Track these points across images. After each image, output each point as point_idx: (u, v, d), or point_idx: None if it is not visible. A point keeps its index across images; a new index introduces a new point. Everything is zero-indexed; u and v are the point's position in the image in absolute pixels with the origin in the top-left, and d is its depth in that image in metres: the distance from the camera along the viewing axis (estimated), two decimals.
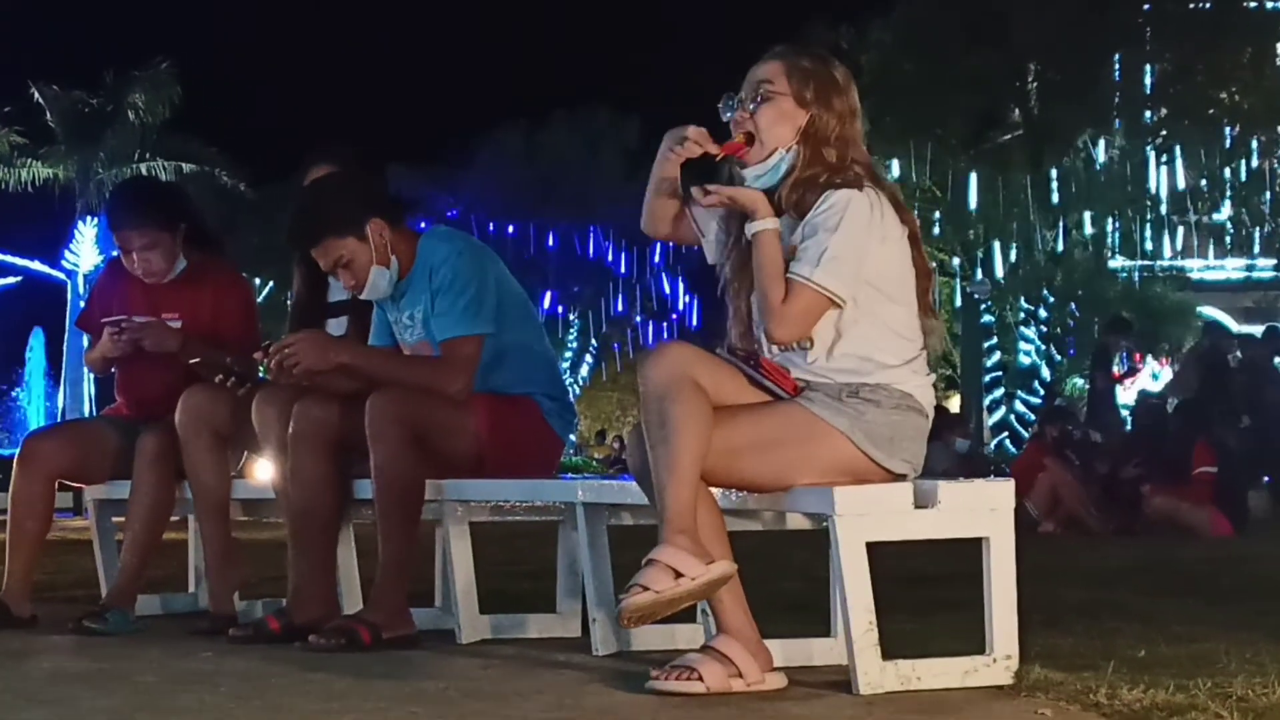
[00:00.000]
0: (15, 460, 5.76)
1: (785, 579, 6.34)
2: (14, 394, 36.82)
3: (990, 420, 27.49)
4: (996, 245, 27.44)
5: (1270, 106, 25.91)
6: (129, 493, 5.67)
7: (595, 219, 39.19)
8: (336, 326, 5.64)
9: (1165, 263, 28.71)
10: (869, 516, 3.82)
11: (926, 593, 5.95)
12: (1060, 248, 27.40)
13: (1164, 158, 26.84)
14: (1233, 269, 31.32)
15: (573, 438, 28.04)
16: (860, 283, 3.93)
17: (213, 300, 5.81)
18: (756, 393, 4.01)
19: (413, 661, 4.59)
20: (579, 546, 4.82)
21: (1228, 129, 26.59)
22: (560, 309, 40.40)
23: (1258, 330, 17.91)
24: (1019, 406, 27.23)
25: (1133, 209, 27.36)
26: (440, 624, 5.31)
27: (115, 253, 5.90)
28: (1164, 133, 27.01)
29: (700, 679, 3.86)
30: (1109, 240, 27.84)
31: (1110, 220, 27.50)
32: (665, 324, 41.03)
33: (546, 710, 3.71)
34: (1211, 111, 26.51)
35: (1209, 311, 30.16)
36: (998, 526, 3.88)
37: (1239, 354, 16.15)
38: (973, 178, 26.75)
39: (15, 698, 3.97)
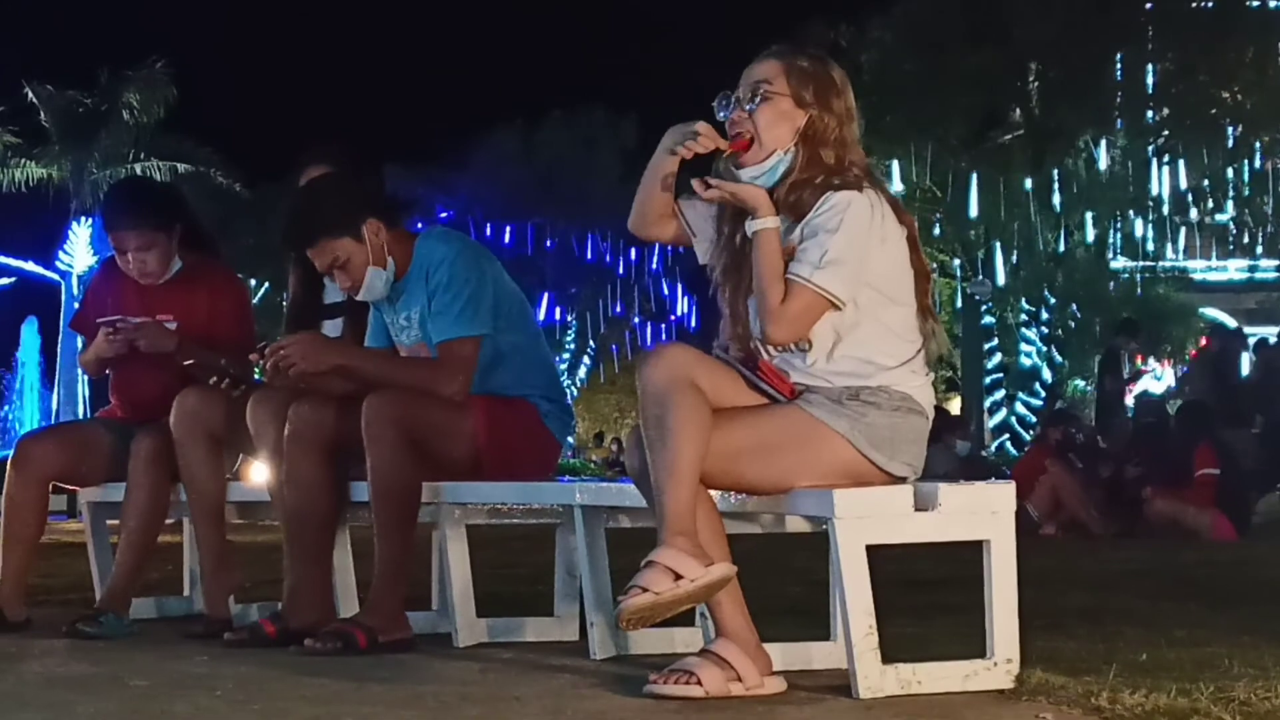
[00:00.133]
0: (9, 462, 5.74)
1: (784, 582, 6.34)
2: (8, 396, 36.66)
3: (991, 422, 27.50)
4: (997, 246, 27.42)
5: (1273, 106, 25.90)
6: (124, 495, 5.65)
7: (593, 219, 39.16)
8: (332, 328, 5.63)
9: (1168, 264, 28.69)
10: (869, 519, 3.82)
11: (927, 596, 5.94)
12: (1062, 248, 27.39)
13: (1166, 158, 26.82)
14: (1235, 270, 31.31)
15: (570, 440, 28.08)
16: (860, 284, 3.91)
17: (208, 301, 5.79)
18: (755, 395, 4.00)
19: (409, 665, 4.57)
20: (577, 549, 4.82)
21: (1230, 129, 26.56)
22: (558, 310, 40.39)
23: (1260, 331, 17.90)
24: (1020, 408, 27.24)
25: (1135, 209, 27.35)
26: (437, 627, 5.30)
27: (110, 253, 5.88)
28: (1166, 133, 26.99)
29: (699, 683, 3.85)
30: (1111, 241, 27.82)
31: (1112, 221, 27.49)
32: (663, 325, 41.03)
33: (544, 714, 3.70)
34: (1214, 111, 26.49)
35: (1211, 313, 30.15)
36: (998, 529, 3.87)
37: (1253, 355, 16.11)
38: (973, 178, 26.72)
39: (9, 702, 3.96)
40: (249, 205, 36.79)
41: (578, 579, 4.96)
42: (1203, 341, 25.52)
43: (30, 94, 37.82)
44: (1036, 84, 27.70)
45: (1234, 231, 28.59)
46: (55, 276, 37.00)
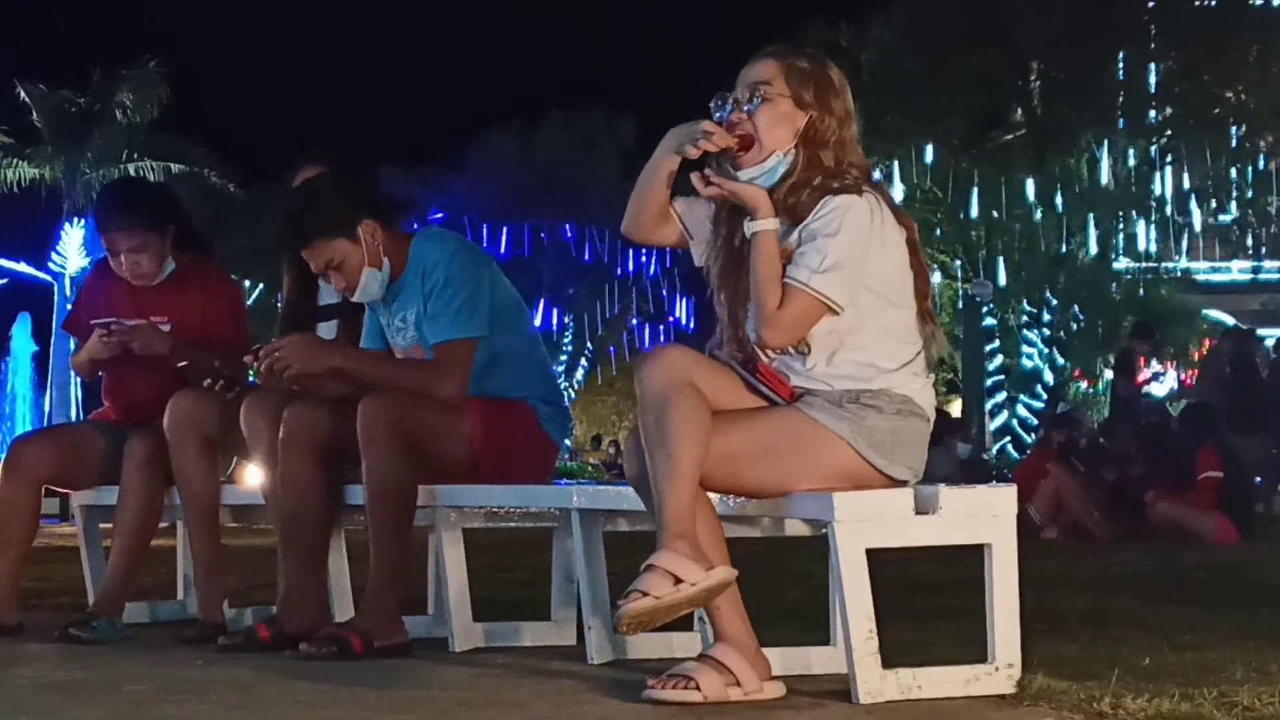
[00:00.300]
0: (1, 466, 5.72)
1: (784, 586, 6.34)
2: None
3: (992, 425, 27.49)
4: (999, 247, 27.41)
5: (1277, 106, 25.86)
6: (117, 498, 5.65)
7: (591, 220, 39.13)
8: (327, 330, 5.62)
9: (1171, 265, 28.67)
10: (869, 522, 3.81)
11: (927, 600, 5.94)
12: (1063, 249, 27.37)
13: (1169, 158, 26.81)
14: (1239, 271, 31.30)
15: (568, 442, 28.08)
16: (860, 289, 3.90)
17: (202, 303, 5.78)
18: (755, 398, 3.99)
19: (405, 670, 4.56)
20: (574, 553, 4.81)
21: (1234, 129, 26.53)
22: (555, 311, 40.37)
23: (1262, 333, 17.87)
24: (1021, 411, 27.21)
25: (1137, 210, 27.33)
26: (433, 632, 5.30)
27: (103, 254, 5.86)
28: (1169, 132, 26.97)
29: (697, 688, 3.83)
30: (1113, 242, 27.81)
31: (1114, 221, 27.47)
32: (662, 327, 41.01)
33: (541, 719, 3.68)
34: (1217, 111, 26.46)
35: (1215, 314, 30.13)
36: (1000, 533, 3.86)
37: (1272, 355, 16.06)
38: (974, 178, 26.71)
39: (1, 707, 3.94)
40: (243, 205, 36.72)
41: (575, 583, 4.95)
42: (1206, 343, 25.57)
43: (23, 93, 37.72)
44: (1038, 83, 27.68)
45: (1237, 232, 28.56)
46: (48, 278, 36.95)
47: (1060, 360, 27.66)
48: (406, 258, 5.15)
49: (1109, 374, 26.66)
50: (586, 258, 40.39)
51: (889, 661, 3.79)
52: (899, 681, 3.78)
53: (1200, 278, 30.32)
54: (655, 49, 47.66)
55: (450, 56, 60.90)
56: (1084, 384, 28.54)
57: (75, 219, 36.50)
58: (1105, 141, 26.39)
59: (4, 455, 5.82)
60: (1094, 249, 27.34)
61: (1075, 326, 27.83)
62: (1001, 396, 27.64)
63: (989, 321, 27.56)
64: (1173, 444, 11.96)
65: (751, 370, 3.98)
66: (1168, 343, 25.34)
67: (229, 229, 32.67)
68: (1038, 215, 26.82)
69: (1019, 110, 28.11)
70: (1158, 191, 27.00)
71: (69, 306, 6.26)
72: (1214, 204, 27.39)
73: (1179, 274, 28.89)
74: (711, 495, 3.97)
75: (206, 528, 5.61)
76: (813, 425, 3.89)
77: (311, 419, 5.04)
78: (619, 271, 40.80)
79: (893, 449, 3.91)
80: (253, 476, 5.57)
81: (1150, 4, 27.02)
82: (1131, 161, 26.72)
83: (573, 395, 40.61)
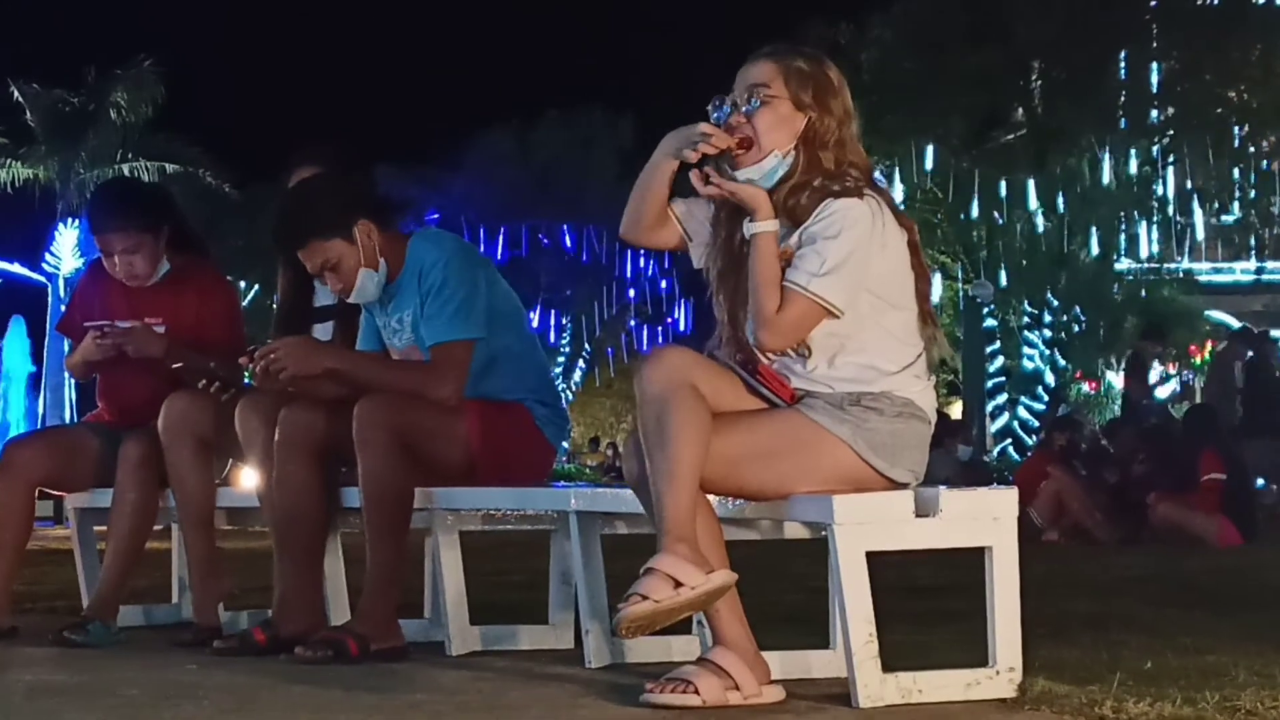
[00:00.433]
0: None
1: (783, 589, 6.33)
2: None
3: (993, 427, 27.49)
4: (1000, 247, 27.41)
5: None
6: (111, 501, 5.64)
7: (589, 220, 39.11)
8: (323, 331, 5.61)
9: (1173, 266, 28.66)
10: (869, 525, 3.80)
11: (928, 603, 5.94)
12: (1065, 250, 27.36)
13: (1171, 158, 26.80)
14: (1241, 272, 31.29)
15: (565, 445, 28.06)
16: (861, 291, 3.88)
17: (196, 304, 5.77)
18: (755, 400, 3.98)
19: (401, 674, 4.55)
20: (572, 556, 4.80)
21: (1236, 129, 26.52)
22: (553, 313, 40.37)
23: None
24: (1022, 413, 27.21)
25: (1139, 210, 27.33)
26: (430, 635, 5.29)
27: (97, 255, 5.84)
28: (1171, 132, 26.97)
29: (696, 692, 3.82)
30: (1115, 242, 27.81)
31: (1116, 222, 27.46)
32: (660, 328, 41.01)
33: None
34: (1220, 111, 26.46)
35: (1217, 315, 30.13)
36: (1001, 535, 3.85)
37: None
38: (975, 178, 26.70)
39: None
40: (238, 206, 36.68)
41: (573, 586, 4.94)
42: (1209, 344, 25.55)
43: (16, 93, 37.62)
44: (1039, 83, 27.69)
45: (1240, 233, 28.56)
46: (41, 279, 36.90)
47: (1061, 362, 27.65)
48: (403, 258, 5.13)
49: (1110, 375, 26.70)
50: (584, 259, 40.36)
51: (889, 665, 3.78)
52: (899, 685, 3.77)
53: (1203, 279, 30.28)
54: (654, 49, 47.76)
55: (448, 56, 61.01)
56: (1085, 385, 28.52)
57: (69, 219, 36.39)
58: (1107, 141, 26.37)
59: None
60: (1095, 250, 27.34)
61: (1077, 328, 27.82)
62: (1002, 398, 27.65)
63: (990, 323, 27.56)
64: (1175, 446, 11.93)
65: (752, 372, 3.97)
66: (1168, 344, 25.31)
67: (224, 229, 32.66)
68: (1039, 216, 26.80)
69: (1020, 110, 28.13)
70: (1160, 192, 27.01)
71: (63, 308, 6.25)
72: (1216, 204, 27.39)
73: (1181, 275, 28.87)
74: (711, 498, 3.96)
75: (201, 530, 5.59)
76: (813, 427, 3.88)
77: (307, 421, 5.03)
78: (617, 273, 40.78)
79: (894, 451, 3.89)
80: (248, 479, 5.57)
81: (1152, 3, 27.04)
82: (1133, 162, 26.71)
83: (570, 397, 40.62)
